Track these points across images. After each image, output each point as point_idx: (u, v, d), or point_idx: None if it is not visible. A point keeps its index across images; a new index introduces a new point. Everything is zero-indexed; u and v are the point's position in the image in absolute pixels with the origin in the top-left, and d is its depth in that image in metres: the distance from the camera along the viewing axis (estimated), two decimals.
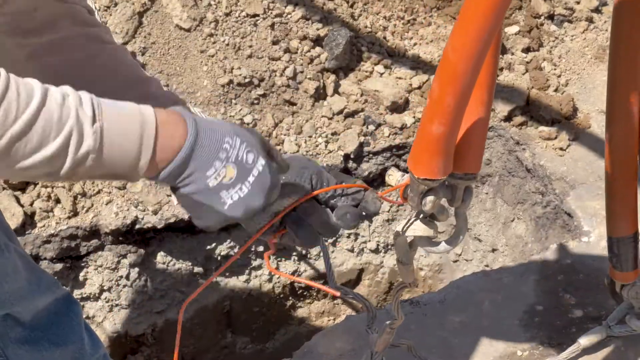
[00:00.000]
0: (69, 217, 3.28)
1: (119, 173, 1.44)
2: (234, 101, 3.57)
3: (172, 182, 1.51)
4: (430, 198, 1.68)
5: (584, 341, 2.69)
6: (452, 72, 1.52)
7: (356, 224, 1.75)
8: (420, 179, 1.65)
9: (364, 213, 1.76)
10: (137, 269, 3.50)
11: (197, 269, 3.60)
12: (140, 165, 1.44)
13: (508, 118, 3.77)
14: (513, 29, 4.07)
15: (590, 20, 4.24)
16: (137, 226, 3.37)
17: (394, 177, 1.77)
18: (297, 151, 3.52)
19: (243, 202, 1.52)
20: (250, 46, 3.64)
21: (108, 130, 1.39)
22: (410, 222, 1.80)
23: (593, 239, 3.19)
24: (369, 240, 3.92)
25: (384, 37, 3.91)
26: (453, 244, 1.82)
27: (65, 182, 1.37)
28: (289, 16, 3.76)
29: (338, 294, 1.85)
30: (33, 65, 1.77)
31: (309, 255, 3.85)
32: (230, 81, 3.55)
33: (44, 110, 1.31)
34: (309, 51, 3.71)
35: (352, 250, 3.93)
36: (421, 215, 1.78)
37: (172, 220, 3.39)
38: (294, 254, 3.81)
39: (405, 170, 1.71)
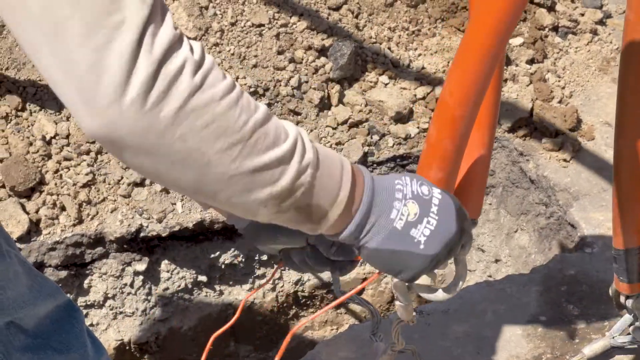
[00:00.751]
0: (74, 225, 3.29)
1: (321, 207, 1.35)
2: None
3: (357, 238, 1.42)
4: None
5: (588, 352, 2.69)
6: (449, 116, 1.49)
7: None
8: None
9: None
10: (141, 277, 3.50)
11: (200, 277, 3.60)
12: (339, 199, 1.36)
13: (512, 129, 3.79)
14: (517, 41, 4.09)
15: (594, 32, 4.25)
16: (142, 234, 3.38)
17: None
18: None
19: (437, 235, 1.46)
20: (256, 56, 3.66)
21: (321, 151, 1.34)
22: None
23: (597, 250, 3.19)
24: None
25: (389, 48, 3.93)
26: (452, 291, 1.78)
27: (272, 214, 1.24)
28: (294, 26, 3.77)
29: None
30: None
31: None
32: None
33: (269, 111, 1.26)
34: (313, 61, 3.72)
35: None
36: None
37: (176, 229, 3.39)
38: None
39: None
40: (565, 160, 3.66)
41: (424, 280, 1.73)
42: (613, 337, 2.70)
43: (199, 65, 1.14)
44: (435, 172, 1.53)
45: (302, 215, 1.33)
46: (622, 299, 2.69)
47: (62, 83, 1.10)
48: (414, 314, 1.94)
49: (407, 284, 1.78)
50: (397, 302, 1.85)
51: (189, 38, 1.18)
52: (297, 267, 1.67)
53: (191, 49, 1.15)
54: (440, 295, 1.77)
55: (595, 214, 3.36)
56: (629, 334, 2.68)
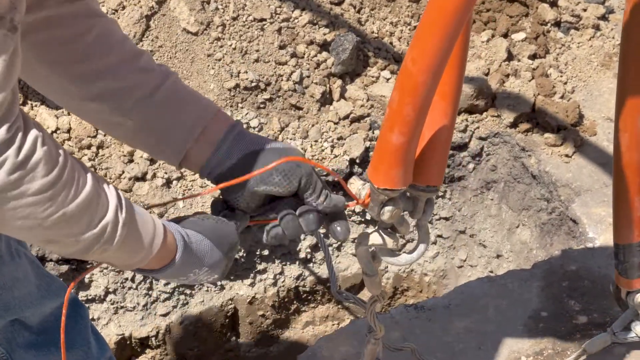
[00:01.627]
0: None
1: (116, 263, 1.61)
2: (240, 105, 3.57)
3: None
4: (388, 208, 1.68)
5: (589, 347, 2.69)
6: (411, 83, 1.51)
7: (315, 229, 1.80)
8: (379, 189, 1.64)
9: (330, 235, 1.85)
10: None
11: None
12: (137, 265, 1.61)
13: (514, 124, 3.78)
14: (520, 36, 4.08)
15: (596, 27, 4.25)
16: None
17: (355, 185, 1.77)
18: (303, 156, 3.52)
19: (204, 278, 1.78)
20: (257, 50, 3.65)
21: (130, 232, 1.53)
22: (370, 232, 1.80)
23: (598, 246, 3.19)
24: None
25: (391, 43, 3.92)
26: (415, 256, 1.81)
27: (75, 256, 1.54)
28: (296, 21, 3.76)
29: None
30: (22, 43, 1.75)
31: (313, 260, 3.85)
32: (237, 85, 3.55)
33: (94, 199, 1.44)
34: (315, 56, 3.71)
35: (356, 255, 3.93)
36: (381, 226, 1.77)
37: None
38: (298, 259, 3.82)
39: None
40: (567, 155, 3.65)
41: (387, 243, 1.75)
42: (614, 333, 2.70)
43: (19, 166, 1.30)
44: (397, 137, 1.56)
45: (104, 262, 1.62)
46: (623, 294, 2.69)
47: None
48: (382, 287, 1.95)
49: (370, 250, 1.80)
50: (364, 276, 1.85)
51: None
52: (286, 225, 1.78)
53: (18, 150, 1.29)
54: (403, 259, 1.80)
55: (597, 210, 3.35)
56: (630, 329, 2.68)
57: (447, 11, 1.46)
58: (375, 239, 1.78)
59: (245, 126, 3.47)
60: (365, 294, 4.00)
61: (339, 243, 3.87)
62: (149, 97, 1.76)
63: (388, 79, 3.82)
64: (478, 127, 3.80)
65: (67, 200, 1.37)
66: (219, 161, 1.78)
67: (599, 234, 3.24)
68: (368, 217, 3.83)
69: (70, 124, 3.37)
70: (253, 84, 3.57)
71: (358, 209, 3.78)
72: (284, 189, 1.75)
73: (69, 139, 3.35)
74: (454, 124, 1.77)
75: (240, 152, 1.77)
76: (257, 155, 1.76)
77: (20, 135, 1.29)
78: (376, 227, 1.80)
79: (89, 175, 1.43)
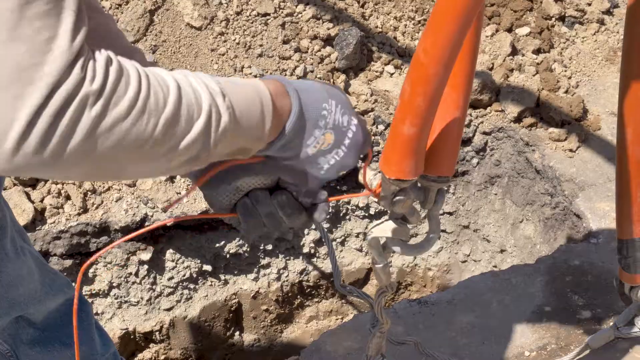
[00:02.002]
0: (79, 214, 3.29)
1: (247, 146, 1.46)
2: None
3: (276, 153, 1.55)
4: (399, 198, 1.68)
5: (592, 342, 2.69)
6: (423, 73, 1.52)
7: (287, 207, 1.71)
8: (391, 180, 1.65)
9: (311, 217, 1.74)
10: (146, 266, 3.50)
11: (205, 267, 3.61)
12: (264, 134, 1.47)
13: (518, 119, 3.78)
14: (524, 30, 4.07)
15: (601, 22, 4.24)
16: (147, 223, 3.38)
17: (367, 175, 1.77)
18: None
19: (339, 164, 1.61)
20: (261, 45, 3.65)
21: (236, 104, 1.41)
22: (381, 222, 1.80)
23: (602, 241, 3.19)
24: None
25: (395, 37, 3.92)
26: (425, 246, 1.82)
27: (197, 166, 1.39)
28: (300, 15, 3.76)
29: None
30: None
31: (317, 255, 3.86)
32: None
33: (182, 92, 1.32)
34: (319, 50, 3.71)
35: (360, 250, 3.93)
36: (392, 216, 1.78)
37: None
38: (302, 254, 3.82)
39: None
40: (571, 150, 3.65)
41: (398, 233, 1.75)
42: (618, 328, 2.69)
43: (99, 93, 1.20)
44: (408, 127, 1.56)
45: (228, 155, 1.45)
46: (626, 289, 2.68)
47: None
48: (393, 278, 1.95)
49: (381, 242, 1.80)
50: (374, 265, 1.85)
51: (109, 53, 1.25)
52: (267, 217, 1.68)
53: (92, 78, 1.20)
54: (414, 249, 1.79)
55: (601, 204, 3.35)
56: (633, 324, 2.68)
57: (459, 2, 1.46)
58: (386, 228, 1.78)
59: None
60: (368, 289, 4.00)
61: (344, 238, 3.87)
62: None
63: (392, 74, 3.82)
64: (482, 122, 3.80)
65: (160, 104, 1.29)
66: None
67: (603, 228, 3.24)
68: (372, 212, 3.83)
69: None
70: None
71: (362, 204, 3.78)
72: (266, 179, 1.68)
73: None
74: (466, 115, 1.78)
75: None
76: None
77: (91, 63, 1.22)
78: (387, 217, 1.80)
79: (165, 72, 1.34)
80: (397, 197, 1.69)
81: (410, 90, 1.54)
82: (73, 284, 3.27)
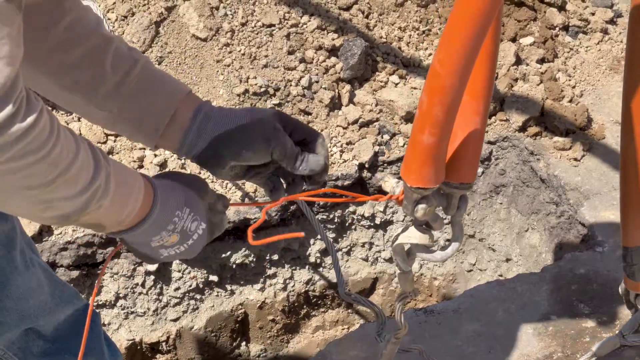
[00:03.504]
0: None
1: (105, 223, 1.60)
2: None
3: (122, 237, 1.70)
4: (422, 206, 1.70)
5: (598, 350, 2.69)
6: (439, 84, 1.54)
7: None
8: (412, 188, 1.67)
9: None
10: (152, 277, 3.51)
11: (212, 277, 3.62)
12: (124, 222, 1.62)
13: (522, 128, 3.79)
14: (528, 40, 4.08)
15: (605, 31, 4.25)
16: None
17: (389, 184, 1.79)
18: None
19: (176, 256, 1.77)
20: (266, 56, 3.66)
21: (116, 185, 1.55)
22: (405, 229, 1.82)
23: (607, 249, 3.19)
24: (383, 250, 3.93)
25: (399, 48, 3.93)
26: (449, 252, 1.84)
27: (55, 224, 1.60)
28: (305, 26, 3.78)
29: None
30: None
31: (323, 264, 3.86)
32: (246, 90, 3.57)
33: (82, 157, 1.45)
34: (324, 61, 3.73)
35: (366, 260, 3.94)
36: (416, 223, 1.80)
37: None
38: (308, 263, 3.83)
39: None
40: (575, 159, 3.66)
41: (420, 239, 1.76)
42: (623, 336, 2.69)
43: (24, 134, 1.31)
44: (427, 137, 1.59)
45: (84, 226, 1.59)
46: (632, 297, 2.68)
47: None
48: (415, 284, 1.97)
49: (405, 249, 1.84)
50: (398, 273, 1.87)
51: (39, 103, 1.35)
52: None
53: (23, 119, 1.31)
54: (438, 255, 1.83)
55: (606, 213, 3.35)
56: (639, 332, 2.68)
57: (473, 12, 1.48)
58: (410, 235, 1.80)
59: None
60: (374, 299, 4.01)
61: (349, 247, 3.87)
62: (118, 87, 1.80)
63: (396, 84, 3.83)
64: (487, 131, 3.81)
65: (68, 161, 1.41)
66: (190, 145, 1.84)
67: (608, 237, 3.24)
68: (377, 221, 3.84)
69: (80, 130, 3.39)
70: (262, 90, 3.58)
71: (367, 213, 3.79)
72: (257, 161, 1.84)
73: None
74: (486, 122, 1.79)
75: (208, 135, 1.83)
76: (224, 138, 1.83)
77: (24, 107, 1.31)
78: (411, 224, 1.82)
79: (78, 138, 1.46)
80: (420, 205, 1.70)
81: (427, 101, 1.56)
82: (82, 295, 3.28)
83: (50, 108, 1.44)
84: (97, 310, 3.39)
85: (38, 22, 1.74)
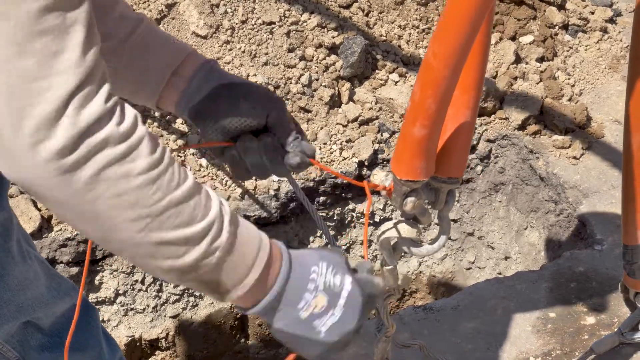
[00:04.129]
0: None
1: (224, 285, 1.42)
2: None
3: (265, 316, 1.49)
4: (410, 199, 1.71)
5: (597, 348, 2.70)
6: (432, 76, 1.56)
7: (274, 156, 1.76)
8: (402, 180, 1.68)
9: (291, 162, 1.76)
10: None
11: None
12: (245, 282, 1.42)
13: (522, 127, 3.79)
14: (527, 39, 4.09)
15: (604, 30, 4.26)
16: None
17: (378, 177, 1.79)
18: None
19: (337, 327, 1.51)
20: (266, 53, 3.67)
21: (239, 235, 1.40)
22: (392, 223, 1.83)
23: (606, 247, 3.20)
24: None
25: (399, 46, 3.94)
26: (436, 246, 1.84)
27: (174, 280, 1.35)
28: (305, 24, 3.78)
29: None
30: None
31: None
32: None
33: (196, 190, 1.33)
34: (324, 59, 3.73)
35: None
36: (404, 217, 1.81)
37: None
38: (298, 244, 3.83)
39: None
40: (575, 157, 3.66)
41: (409, 233, 1.77)
42: (622, 333, 2.71)
43: (123, 138, 1.22)
44: (419, 129, 1.61)
45: (205, 287, 1.41)
46: (631, 295, 2.70)
47: None
48: (399, 281, 1.96)
49: (392, 243, 1.84)
50: (383, 268, 1.87)
51: (133, 106, 1.27)
52: (252, 159, 1.74)
53: (119, 122, 1.22)
54: (424, 250, 1.83)
55: (605, 211, 3.36)
56: (638, 329, 2.69)
57: (467, 6, 1.49)
58: (397, 229, 1.80)
59: None
60: None
61: (349, 245, 3.88)
62: (123, 43, 1.77)
63: (396, 82, 3.84)
64: (486, 130, 3.82)
65: (173, 184, 1.29)
66: (190, 96, 1.77)
67: (607, 235, 3.25)
68: (377, 219, 3.85)
69: None
70: None
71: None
72: (252, 118, 1.73)
73: None
74: (476, 117, 1.82)
75: (209, 86, 1.77)
76: (226, 88, 1.77)
77: (119, 108, 1.24)
78: (398, 218, 1.83)
79: (187, 168, 1.37)
80: (409, 198, 1.71)
81: (420, 93, 1.57)
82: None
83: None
84: (97, 307, 3.40)
85: None
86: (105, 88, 1.23)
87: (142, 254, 1.32)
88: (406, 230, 1.80)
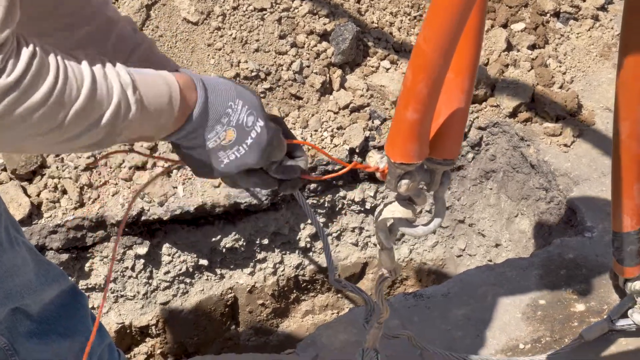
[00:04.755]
0: (75, 208, 3.30)
1: (150, 134, 1.56)
2: None
3: (179, 141, 1.65)
4: (405, 181, 1.74)
5: (586, 334, 2.71)
6: (424, 61, 1.57)
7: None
8: (396, 163, 1.70)
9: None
10: (142, 261, 3.51)
11: (202, 261, 3.62)
12: (168, 124, 1.56)
13: (513, 114, 3.79)
14: (519, 26, 4.09)
15: (595, 18, 4.26)
16: (143, 218, 3.39)
17: (374, 158, 1.82)
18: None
19: (238, 161, 1.69)
20: (257, 40, 3.66)
21: (145, 95, 1.49)
22: (388, 204, 1.84)
23: (596, 235, 3.20)
24: (374, 234, 3.93)
25: (391, 33, 3.93)
26: (431, 227, 1.86)
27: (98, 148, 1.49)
28: (296, 10, 3.77)
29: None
30: None
31: (313, 249, 3.87)
32: (237, 74, 3.56)
33: (96, 85, 1.40)
34: (315, 46, 3.72)
35: (356, 244, 3.94)
36: (399, 198, 1.82)
37: (177, 212, 3.40)
38: (298, 248, 3.83)
39: None
40: (565, 145, 3.67)
41: (405, 214, 1.79)
42: (612, 320, 2.71)
43: (14, 86, 1.28)
44: (411, 113, 1.63)
45: (130, 140, 1.56)
46: (620, 282, 2.71)
47: None
48: (397, 262, 1.98)
49: (388, 224, 1.86)
50: (379, 250, 1.88)
51: (27, 41, 1.32)
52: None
53: (10, 72, 1.28)
54: (420, 230, 1.86)
55: (595, 199, 3.36)
56: (627, 316, 2.70)
57: None
58: (394, 209, 1.82)
59: None
60: (364, 284, 4.02)
61: (339, 232, 3.88)
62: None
63: (388, 69, 3.83)
64: (477, 117, 3.82)
65: (74, 94, 1.36)
66: None
67: (597, 222, 3.25)
68: (367, 206, 3.84)
69: None
70: (253, 74, 3.58)
71: (358, 198, 3.79)
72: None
73: None
74: (471, 99, 1.83)
75: None
76: None
77: (12, 60, 1.28)
78: (394, 199, 1.84)
79: (83, 64, 1.41)
80: (403, 180, 1.72)
81: (412, 77, 1.58)
82: (71, 278, 3.28)
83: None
84: (87, 294, 3.40)
85: (47, 2, 1.76)
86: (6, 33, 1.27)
87: (64, 150, 1.50)
88: (402, 210, 1.82)
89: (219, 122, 1.63)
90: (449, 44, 1.55)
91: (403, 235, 3.93)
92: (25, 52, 1.30)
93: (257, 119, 1.68)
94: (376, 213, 1.86)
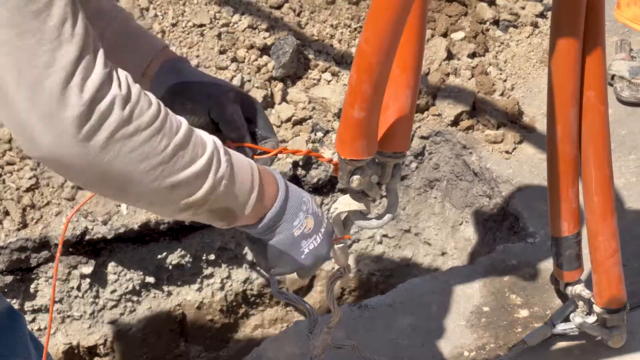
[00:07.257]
0: (18, 229, 3.27)
1: (232, 208, 1.57)
2: None
3: (264, 232, 1.67)
4: (356, 177, 1.79)
5: (529, 339, 2.73)
6: (366, 61, 1.64)
7: None
8: (346, 160, 1.75)
9: None
10: (88, 280, 3.49)
11: (148, 279, 3.60)
12: (250, 202, 1.59)
13: (455, 122, 3.81)
14: (459, 35, 4.12)
15: (535, 25, 4.30)
16: (87, 237, 3.37)
17: (325, 155, 1.86)
18: None
19: (315, 251, 1.74)
20: (197, 56, 3.66)
21: (234, 162, 1.54)
22: (342, 198, 1.88)
23: (538, 240, 3.23)
24: None
25: (331, 45, 3.94)
26: (385, 219, 1.90)
27: (189, 217, 1.51)
28: (236, 25, 3.78)
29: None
30: None
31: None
32: None
33: (191, 130, 1.46)
34: (256, 60, 3.73)
35: None
36: (352, 192, 1.87)
37: (121, 230, 3.39)
38: (245, 262, 3.83)
39: None
40: (507, 152, 3.70)
41: (359, 207, 1.88)
42: (554, 325, 2.73)
43: (126, 99, 1.31)
44: (358, 112, 1.69)
45: (216, 216, 1.56)
46: (562, 286, 2.73)
47: (6, 116, 1.30)
48: (349, 263, 2.01)
49: (343, 217, 1.90)
50: (334, 245, 1.90)
51: (115, 71, 1.32)
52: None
53: (119, 85, 1.31)
54: (374, 222, 1.93)
55: (537, 204, 3.39)
56: (569, 320, 2.72)
57: None
58: (348, 202, 1.87)
59: None
60: (312, 296, 4.02)
61: None
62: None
63: (329, 81, 3.84)
64: (420, 127, 3.83)
65: (174, 130, 1.40)
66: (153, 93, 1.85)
67: (539, 228, 3.28)
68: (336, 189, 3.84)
69: (10, 134, 3.36)
70: None
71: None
72: (197, 117, 1.84)
73: (9, 149, 3.34)
74: (417, 92, 1.91)
75: (165, 86, 1.85)
76: (179, 86, 1.85)
77: (115, 71, 1.32)
78: (347, 193, 1.89)
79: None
80: (355, 175, 1.79)
81: (356, 77, 1.65)
82: (16, 300, 3.25)
83: None
84: (32, 316, 3.38)
85: None
86: (101, 53, 1.30)
87: (160, 200, 1.45)
88: (355, 204, 1.88)
89: (300, 210, 1.69)
90: (389, 44, 1.62)
91: (358, 231, 3.94)
92: (123, 73, 1.33)
93: (323, 213, 1.77)
94: (331, 209, 1.90)
